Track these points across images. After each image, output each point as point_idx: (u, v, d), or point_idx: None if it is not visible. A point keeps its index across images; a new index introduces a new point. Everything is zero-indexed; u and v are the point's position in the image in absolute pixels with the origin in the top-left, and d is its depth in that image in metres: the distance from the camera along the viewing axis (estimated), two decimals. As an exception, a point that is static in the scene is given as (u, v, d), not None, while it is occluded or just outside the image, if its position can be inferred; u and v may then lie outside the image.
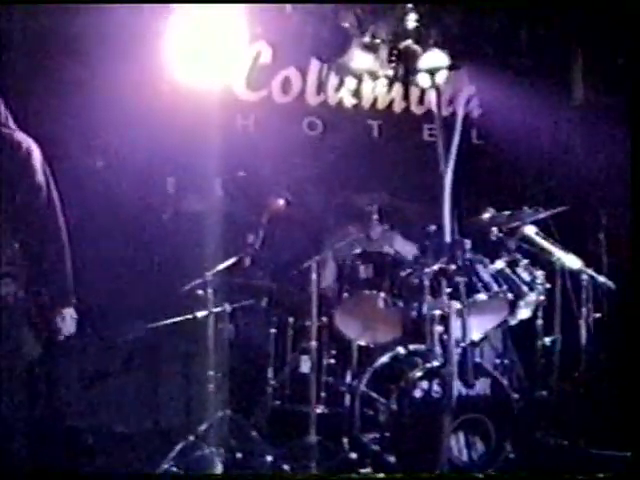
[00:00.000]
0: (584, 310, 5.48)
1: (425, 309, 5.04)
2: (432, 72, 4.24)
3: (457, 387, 4.80)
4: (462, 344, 4.50)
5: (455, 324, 3.81)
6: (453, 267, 3.59)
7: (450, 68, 4.55)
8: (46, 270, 3.92)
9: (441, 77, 4.49)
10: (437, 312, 4.98)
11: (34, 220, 3.91)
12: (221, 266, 5.16)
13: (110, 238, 5.63)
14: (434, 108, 4.04)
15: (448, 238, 3.46)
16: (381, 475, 4.79)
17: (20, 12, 5.39)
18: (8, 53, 5.35)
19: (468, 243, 3.97)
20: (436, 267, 3.98)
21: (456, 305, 3.76)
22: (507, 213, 5.48)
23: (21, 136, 3.96)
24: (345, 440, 5.09)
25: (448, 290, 3.66)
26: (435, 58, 4.47)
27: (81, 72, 5.58)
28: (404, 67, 5.41)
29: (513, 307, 5.28)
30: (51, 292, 3.93)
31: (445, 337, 4.51)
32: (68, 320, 4.02)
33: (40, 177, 3.96)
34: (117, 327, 5.42)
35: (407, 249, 5.72)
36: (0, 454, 4.21)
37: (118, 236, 5.65)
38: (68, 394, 5.56)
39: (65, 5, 5.43)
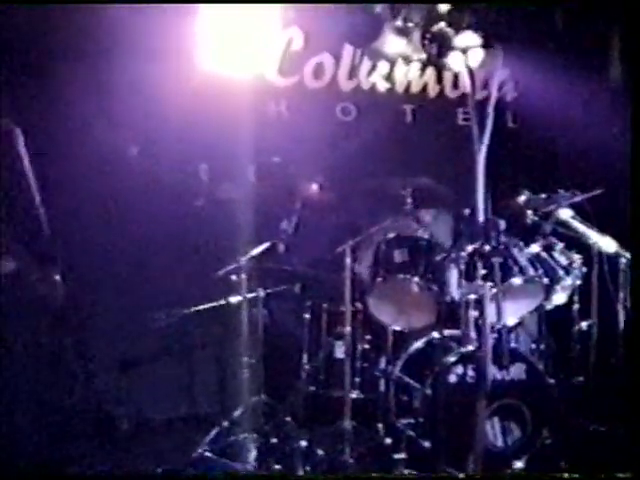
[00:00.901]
0: (621, 294, 5.39)
1: (460, 293, 5.00)
2: (464, 51, 4.21)
3: (492, 372, 4.79)
4: (497, 327, 4.45)
5: (490, 307, 3.76)
6: (487, 248, 3.54)
7: (483, 46, 4.52)
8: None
9: (474, 57, 4.45)
10: (472, 296, 4.94)
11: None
12: (254, 251, 5.16)
13: (144, 225, 5.65)
14: (467, 89, 4.00)
15: (482, 218, 3.43)
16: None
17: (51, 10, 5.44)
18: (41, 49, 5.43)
19: (502, 224, 3.91)
20: (470, 248, 3.94)
21: (490, 287, 3.71)
22: (543, 196, 5.42)
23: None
24: (380, 425, 5.11)
25: (483, 272, 3.61)
26: (467, 38, 4.45)
27: (118, 66, 5.59)
28: (437, 50, 5.36)
29: (549, 291, 5.22)
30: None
31: (480, 321, 4.46)
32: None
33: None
34: (151, 313, 5.42)
35: (442, 233, 5.68)
36: (31, 438, 4.26)
37: (152, 223, 5.67)
38: (103, 380, 5.61)
39: (100, 5, 5.47)
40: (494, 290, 4.61)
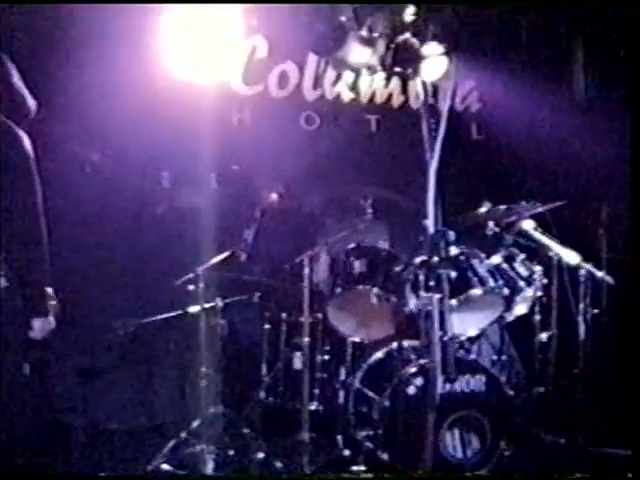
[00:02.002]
0: (582, 306, 5.40)
1: (417, 305, 4.98)
2: (429, 61, 4.22)
3: (452, 384, 4.77)
4: (445, 338, 4.44)
5: (439, 318, 3.74)
6: (436, 259, 3.52)
7: (447, 57, 4.52)
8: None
9: (437, 68, 4.45)
10: (430, 308, 4.91)
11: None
12: (213, 261, 5.12)
13: (104, 232, 5.60)
14: (428, 100, 4.00)
15: (431, 229, 3.42)
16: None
17: (16, 12, 5.37)
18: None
19: (452, 235, 3.90)
20: (418, 260, 3.92)
21: (447, 299, 3.70)
22: (504, 207, 5.42)
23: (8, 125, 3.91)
24: (338, 437, 5.06)
25: (432, 284, 3.59)
26: (432, 48, 4.45)
27: (76, 69, 5.52)
28: (402, 60, 5.35)
29: (509, 303, 5.22)
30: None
31: (440, 333, 4.44)
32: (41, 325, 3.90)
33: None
34: (108, 322, 5.36)
35: (402, 244, 5.66)
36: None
37: (112, 230, 5.62)
38: (59, 390, 5.53)
39: (59, 5, 5.40)
40: (453, 302, 4.62)
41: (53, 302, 3.87)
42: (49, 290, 3.86)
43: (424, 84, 3.87)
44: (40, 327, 3.83)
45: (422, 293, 3.64)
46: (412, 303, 4.95)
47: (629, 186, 5.24)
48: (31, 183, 3.91)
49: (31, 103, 4.00)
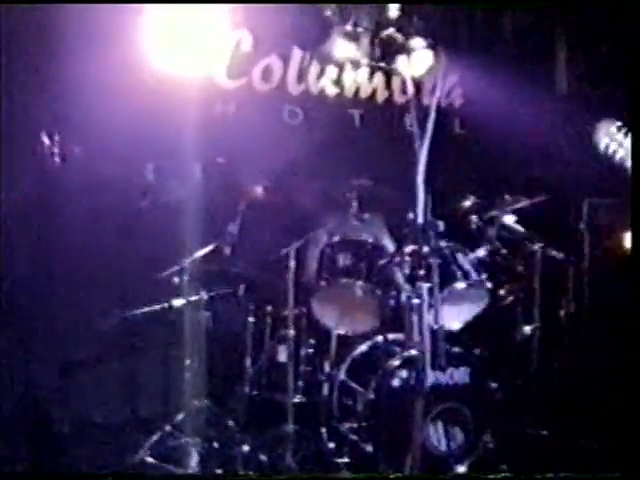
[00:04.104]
0: (564, 299, 5.45)
1: (403, 297, 5.00)
2: (413, 56, 4.24)
3: (435, 376, 4.80)
4: (435, 329, 4.45)
5: (429, 309, 3.77)
6: (426, 249, 3.55)
7: (431, 52, 4.55)
8: None
9: (421, 63, 4.47)
10: (415, 300, 4.93)
11: None
12: (198, 253, 5.11)
13: (87, 224, 5.58)
14: (410, 89, 4.02)
15: (421, 220, 3.44)
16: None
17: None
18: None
19: (441, 225, 3.93)
20: (409, 249, 3.94)
21: (428, 288, 3.72)
22: (487, 201, 5.46)
23: None
24: (323, 430, 5.06)
25: (422, 273, 3.61)
26: (416, 43, 4.47)
27: (64, 62, 5.50)
28: (386, 55, 5.38)
29: (493, 296, 5.25)
30: None
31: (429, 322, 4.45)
32: None
33: None
34: (93, 315, 5.35)
35: (386, 237, 5.68)
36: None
37: (95, 222, 5.59)
38: (43, 382, 5.50)
39: (45, 5, 5.39)
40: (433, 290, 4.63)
41: None
42: None
43: (409, 79, 3.88)
44: None
45: (410, 283, 3.65)
46: (402, 293, 4.97)
47: (610, 182, 5.27)
48: None
49: None
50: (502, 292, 5.33)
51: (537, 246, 5.50)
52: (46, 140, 5.33)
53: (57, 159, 5.45)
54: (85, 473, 4.82)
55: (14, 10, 5.33)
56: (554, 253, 5.40)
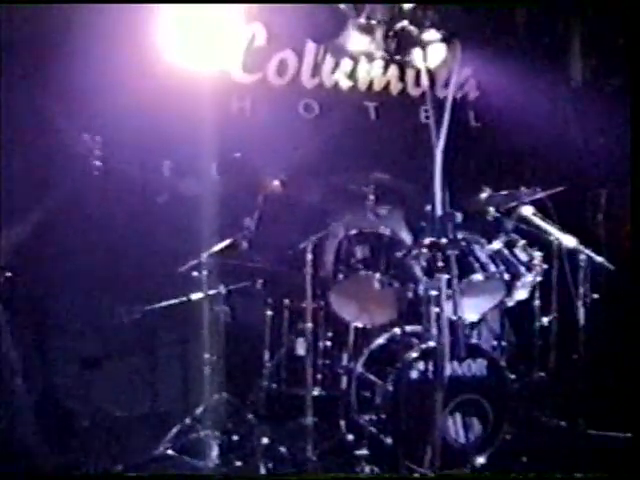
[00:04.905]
0: (581, 290, 5.44)
1: (421, 289, 5.01)
2: (427, 49, 4.23)
3: (453, 368, 4.81)
4: (454, 321, 4.46)
5: (448, 300, 3.77)
6: (444, 240, 3.56)
7: (445, 44, 4.54)
8: None
9: (436, 55, 4.47)
10: (433, 292, 4.94)
11: None
12: (216, 248, 5.14)
13: (106, 221, 5.62)
14: (424, 82, 4.03)
15: (439, 211, 3.45)
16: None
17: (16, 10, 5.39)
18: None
19: (459, 216, 3.93)
20: (427, 241, 3.94)
21: (449, 281, 3.72)
22: (504, 193, 5.45)
23: None
24: (342, 422, 5.09)
25: (441, 264, 3.61)
26: (430, 36, 4.46)
27: (81, 61, 5.52)
28: (400, 48, 5.37)
29: (510, 288, 5.25)
30: None
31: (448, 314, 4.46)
32: None
33: None
34: (113, 310, 5.39)
35: (403, 229, 5.69)
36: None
37: (114, 219, 5.63)
38: (64, 377, 5.56)
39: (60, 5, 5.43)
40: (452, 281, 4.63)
41: None
42: None
43: (424, 71, 3.88)
44: None
45: (429, 275, 3.65)
46: (417, 288, 4.98)
47: (627, 171, 5.27)
48: None
49: None
50: (519, 283, 5.29)
51: (553, 238, 5.48)
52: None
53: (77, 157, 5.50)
54: (105, 468, 4.86)
55: (25, 11, 5.39)
56: (600, 260, 5.40)
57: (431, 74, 4.25)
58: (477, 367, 4.95)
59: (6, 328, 4.82)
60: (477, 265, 5.09)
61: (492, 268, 5.15)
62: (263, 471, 4.75)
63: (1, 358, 4.76)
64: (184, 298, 5.25)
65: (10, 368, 4.76)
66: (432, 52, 4.64)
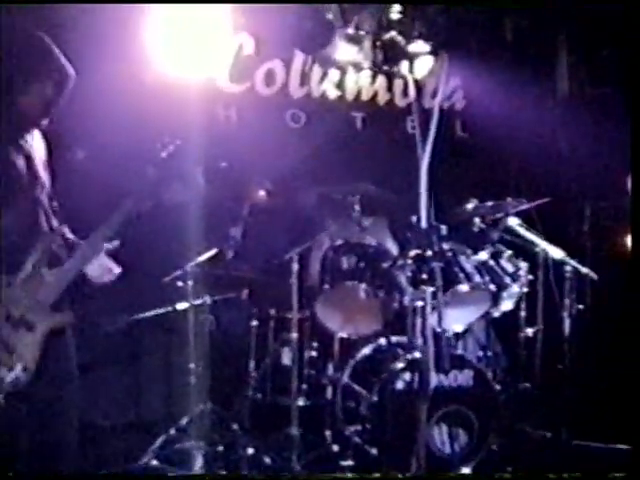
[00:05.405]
0: (567, 301, 5.45)
1: (406, 300, 5.01)
2: (414, 59, 4.24)
3: (439, 379, 4.81)
4: (439, 332, 4.47)
5: (433, 312, 3.78)
6: (429, 253, 3.56)
7: (432, 55, 4.55)
8: None
9: (423, 65, 4.48)
10: (419, 303, 4.94)
11: None
12: (201, 257, 5.13)
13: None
14: (412, 92, 4.03)
15: (424, 224, 3.46)
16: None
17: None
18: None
19: (444, 229, 3.95)
20: (413, 253, 3.96)
21: (434, 293, 3.73)
22: (490, 204, 5.46)
23: None
24: (327, 432, 5.08)
25: (425, 277, 3.62)
26: (418, 46, 4.47)
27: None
28: (387, 58, 5.37)
29: (496, 299, 5.26)
30: None
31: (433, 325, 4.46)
32: None
33: None
34: (97, 319, 5.36)
35: (389, 240, 5.70)
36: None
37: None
38: (48, 387, 5.51)
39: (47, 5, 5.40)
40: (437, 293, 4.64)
41: None
42: None
43: (411, 82, 3.89)
44: None
45: (415, 286, 3.67)
46: (405, 296, 4.98)
47: (612, 183, 5.30)
48: None
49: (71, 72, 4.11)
50: (504, 294, 5.30)
51: (539, 249, 5.50)
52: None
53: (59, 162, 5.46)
54: (89, 475, 4.82)
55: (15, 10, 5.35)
56: (585, 271, 5.41)
57: (418, 84, 4.25)
58: (463, 378, 4.96)
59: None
60: (462, 275, 5.09)
61: (478, 279, 5.16)
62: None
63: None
64: (169, 308, 5.23)
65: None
66: (419, 63, 4.64)
